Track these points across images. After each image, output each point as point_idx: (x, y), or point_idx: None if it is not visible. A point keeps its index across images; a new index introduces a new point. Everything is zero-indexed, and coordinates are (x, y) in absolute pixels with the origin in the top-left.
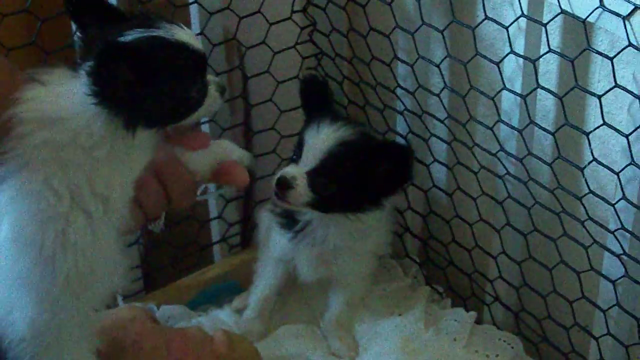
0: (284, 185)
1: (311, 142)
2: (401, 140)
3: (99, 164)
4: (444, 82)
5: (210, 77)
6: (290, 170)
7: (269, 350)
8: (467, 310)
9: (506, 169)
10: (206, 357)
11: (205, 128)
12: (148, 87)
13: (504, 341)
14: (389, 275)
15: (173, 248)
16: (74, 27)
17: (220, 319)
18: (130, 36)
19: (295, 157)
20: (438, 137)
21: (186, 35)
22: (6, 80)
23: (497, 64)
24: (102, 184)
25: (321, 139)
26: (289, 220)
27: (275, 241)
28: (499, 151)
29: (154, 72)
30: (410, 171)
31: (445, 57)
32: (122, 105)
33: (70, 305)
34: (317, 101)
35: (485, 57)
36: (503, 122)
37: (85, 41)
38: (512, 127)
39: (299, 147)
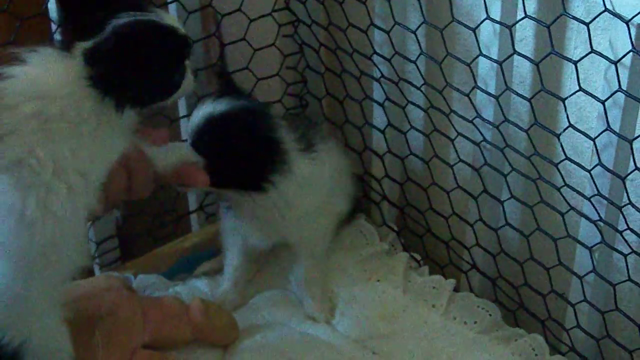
0: None
1: (191, 119)
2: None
3: (84, 140)
4: (421, 48)
5: (187, 62)
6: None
7: (245, 319)
8: (445, 278)
9: (482, 136)
10: (183, 326)
11: None
12: (141, 70)
13: (482, 308)
14: (366, 240)
15: (150, 217)
16: (53, 26)
17: (197, 288)
18: (123, 20)
19: None
20: (415, 104)
21: (173, 20)
22: None
23: (474, 30)
24: (84, 160)
25: (194, 117)
26: (219, 195)
27: (223, 214)
28: (475, 118)
29: (145, 55)
30: (277, 164)
31: (421, 24)
32: (116, 87)
33: (42, 274)
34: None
35: (461, 23)
36: (479, 88)
37: (74, 23)
38: (489, 94)
39: None
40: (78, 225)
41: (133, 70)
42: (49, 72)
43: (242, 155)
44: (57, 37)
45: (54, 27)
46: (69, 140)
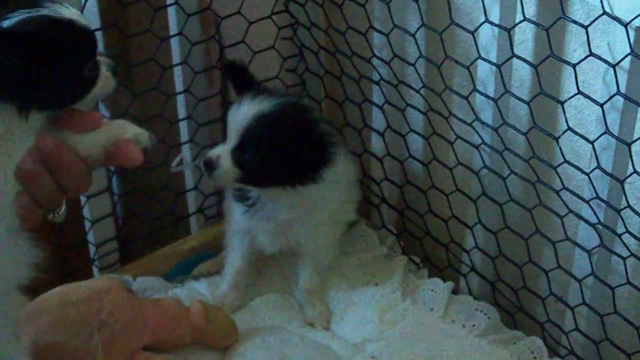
0: (210, 166)
1: (232, 119)
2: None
3: None
4: (420, 51)
5: (100, 58)
6: (215, 150)
7: (245, 322)
8: (444, 281)
9: (482, 139)
10: (182, 328)
11: (181, 99)
12: (41, 69)
13: (481, 311)
14: (365, 243)
15: (149, 219)
16: None
17: (196, 291)
18: (15, 18)
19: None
20: (414, 107)
21: (73, 13)
22: None
23: (473, 33)
24: None
25: (240, 116)
26: (241, 195)
27: (234, 214)
28: (474, 121)
29: (43, 53)
30: (329, 157)
31: (420, 26)
32: (15, 90)
33: None
34: (242, 84)
35: (460, 26)
36: (478, 91)
37: None
38: (488, 97)
39: (225, 127)
40: None
41: (29, 70)
42: None
43: (296, 150)
44: None
45: None
46: None
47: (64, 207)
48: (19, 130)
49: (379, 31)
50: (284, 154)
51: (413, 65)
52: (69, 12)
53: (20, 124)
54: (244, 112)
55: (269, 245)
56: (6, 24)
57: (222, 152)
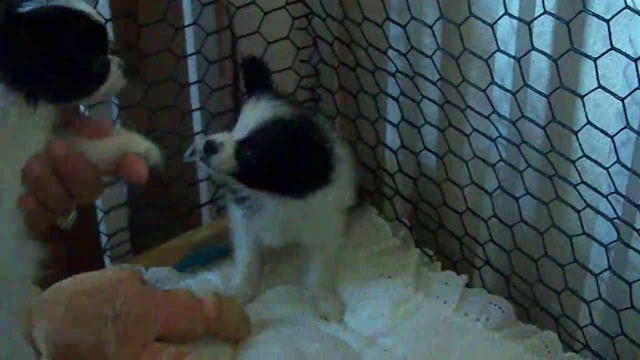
0: (211, 149)
1: (247, 113)
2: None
3: None
4: (437, 43)
5: (111, 56)
6: (219, 135)
7: (257, 314)
8: (458, 274)
9: (499, 132)
10: (195, 319)
11: (194, 89)
12: (51, 59)
13: (495, 305)
14: (378, 236)
15: (161, 210)
16: None
17: (208, 281)
18: (29, 6)
19: (231, 125)
20: (430, 100)
21: (86, 6)
22: None
23: (491, 25)
24: None
25: (257, 111)
26: (237, 198)
27: (233, 213)
28: (491, 114)
29: (55, 42)
30: (327, 176)
31: (438, 18)
32: (24, 78)
33: None
34: (258, 80)
35: (479, 18)
36: (496, 84)
37: None
38: (506, 90)
39: (236, 116)
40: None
41: (40, 58)
42: None
43: (298, 163)
44: None
45: None
46: None
47: (73, 214)
48: (33, 124)
49: (395, 22)
50: (286, 165)
51: (430, 57)
52: (83, 6)
53: (33, 117)
54: (262, 110)
55: (272, 242)
56: (20, 11)
57: (227, 140)
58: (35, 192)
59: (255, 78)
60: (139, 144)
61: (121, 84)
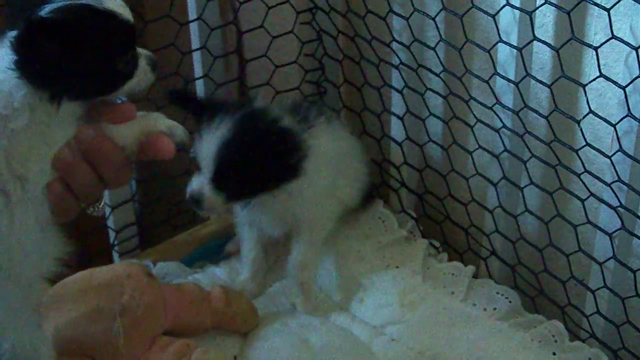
0: (196, 202)
1: (201, 151)
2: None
3: (15, 137)
4: (440, 35)
5: (141, 51)
6: (194, 185)
7: (265, 306)
8: (465, 265)
9: (502, 122)
10: (203, 312)
11: (200, 84)
12: (75, 59)
13: (501, 295)
14: (385, 227)
15: (169, 204)
16: None
17: (216, 276)
18: (56, 5)
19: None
20: (434, 91)
21: (115, 4)
22: None
23: (493, 16)
24: (18, 160)
25: (206, 146)
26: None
27: (237, 209)
28: (495, 104)
29: (80, 43)
30: (300, 149)
31: (440, 10)
32: (47, 78)
33: None
34: (194, 107)
35: (481, 9)
36: (499, 74)
37: (12, 9)
38: (508, 80)
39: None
40: (23, 238)
41: (63, 59)
42: None
43: (267, 158)
44: None
45: None
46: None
47: (103, 201)
48: (59, 120)
49: (399, 15)
50: (258, 166)
51: (433, 49)
52: (112, 3)
53: (59, 113)
54: (207, 142)
55: (275, 231)
56: (45, 11)
57: (202, 185)
58: (67, 179)
59: (192, 105)
60: (163, 122)
61: (149, 80)
